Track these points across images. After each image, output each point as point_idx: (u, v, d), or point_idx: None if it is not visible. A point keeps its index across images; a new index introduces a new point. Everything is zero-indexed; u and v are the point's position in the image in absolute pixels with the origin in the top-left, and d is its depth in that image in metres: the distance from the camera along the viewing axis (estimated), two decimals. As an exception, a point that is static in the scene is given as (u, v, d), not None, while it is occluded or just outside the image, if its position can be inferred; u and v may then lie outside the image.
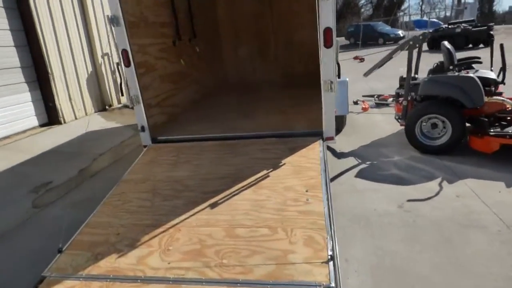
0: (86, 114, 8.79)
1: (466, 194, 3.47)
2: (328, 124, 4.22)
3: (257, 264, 2.33)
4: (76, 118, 8.45)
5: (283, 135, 4.30)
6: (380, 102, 8.58)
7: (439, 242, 2.67)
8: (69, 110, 8.28)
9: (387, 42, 27.13)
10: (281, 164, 3.63)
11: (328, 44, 3.71)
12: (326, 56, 3.81)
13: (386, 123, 6.71)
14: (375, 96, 8.81)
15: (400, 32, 28.22)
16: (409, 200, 3.49)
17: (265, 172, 3.50)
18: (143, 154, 4.19)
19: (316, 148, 3.94)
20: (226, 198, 3.12)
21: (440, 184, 3.81)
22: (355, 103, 8.46)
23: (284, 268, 2.28)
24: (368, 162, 4.66)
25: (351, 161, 4.77)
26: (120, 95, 4.96)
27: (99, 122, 8.32)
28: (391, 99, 8.33)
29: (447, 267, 2.36)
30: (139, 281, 2.27)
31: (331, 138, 4.33)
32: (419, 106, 4.89)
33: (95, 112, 9.11)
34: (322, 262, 2.31)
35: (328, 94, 4.02)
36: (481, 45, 18.45)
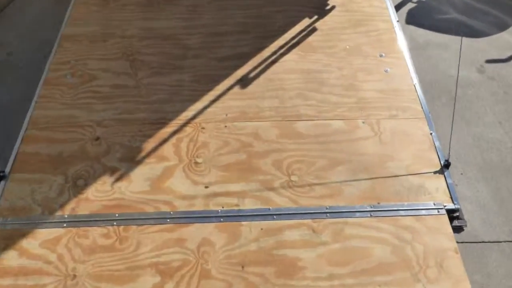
0: None
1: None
2: None
3: (344, 180, 1.69)
4: None
5: None
6: None
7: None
8: None
9: None
10: (328, 7, 2.50)
11: None
12: None
13: None
14: None
15: None
16: (488, 61, 2.85)
17: (307, 21, 2.41)
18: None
19: (373, -21, 2.76)
20: (260, 70, 2.12)
21: (517, 36, 3.15)
22: None
23: (384, 184, 1.68)
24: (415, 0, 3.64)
25: (391, -3, 3.71)
26: None
27: None
28: None
29: None
30: (168, 220, 1.54)
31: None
32: None
33: None
34: (434, 172, 1.74)
35: None
36: None
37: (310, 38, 2.29)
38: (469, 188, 1.87)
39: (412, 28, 3.22)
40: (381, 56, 2.21)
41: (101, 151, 1.75)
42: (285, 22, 2.39)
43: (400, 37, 2.34)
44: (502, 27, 3.31)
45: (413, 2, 3.69)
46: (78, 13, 2.46)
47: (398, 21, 2.48)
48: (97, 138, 1.80)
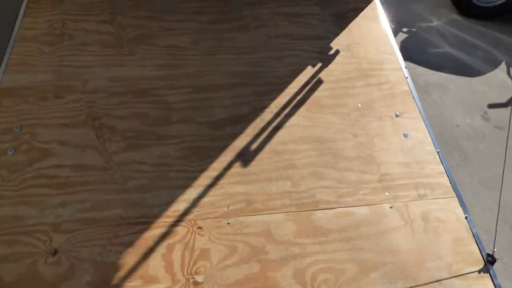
0: None
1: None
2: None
3: (380, 293, 1.39)
4: None
5: None
6: None
7: None
8: None
9: None
10: (332, 52, 2.19)
11: None
12: None
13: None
14: None
15: None
16: (490, 107, 2.74)
17: (311, 70, 2.07)
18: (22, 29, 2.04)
19: (376, 16, 2.49)
20: (263, 139, 1.75)
21: (510, 74, 3.08)
22: None
23: (427, 294, 1.41)
24: (405, 29, 3.49)
25: (380, 25, 3.51)
26: None
27: None
28: None
29: None
30: None
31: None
32: None
33: None
34: (479, 272, 1.50)
35: None
36: None
37: (317, 94, 1.96)
38: (507, 273, 1.68)
39: (409, 65, 3.04)
40: (397, 116, 1.95)
41: (60, 273, 1.29)
42: (285, 71, 2.04)
43: (412, 89, 2.10)
44: (494, 64, 3.25)
45: (403, 32, 3.53)
46: (21, 54, 1.92)
47: (406, 67, 2.24)
48: (55, 252, 1.33)
